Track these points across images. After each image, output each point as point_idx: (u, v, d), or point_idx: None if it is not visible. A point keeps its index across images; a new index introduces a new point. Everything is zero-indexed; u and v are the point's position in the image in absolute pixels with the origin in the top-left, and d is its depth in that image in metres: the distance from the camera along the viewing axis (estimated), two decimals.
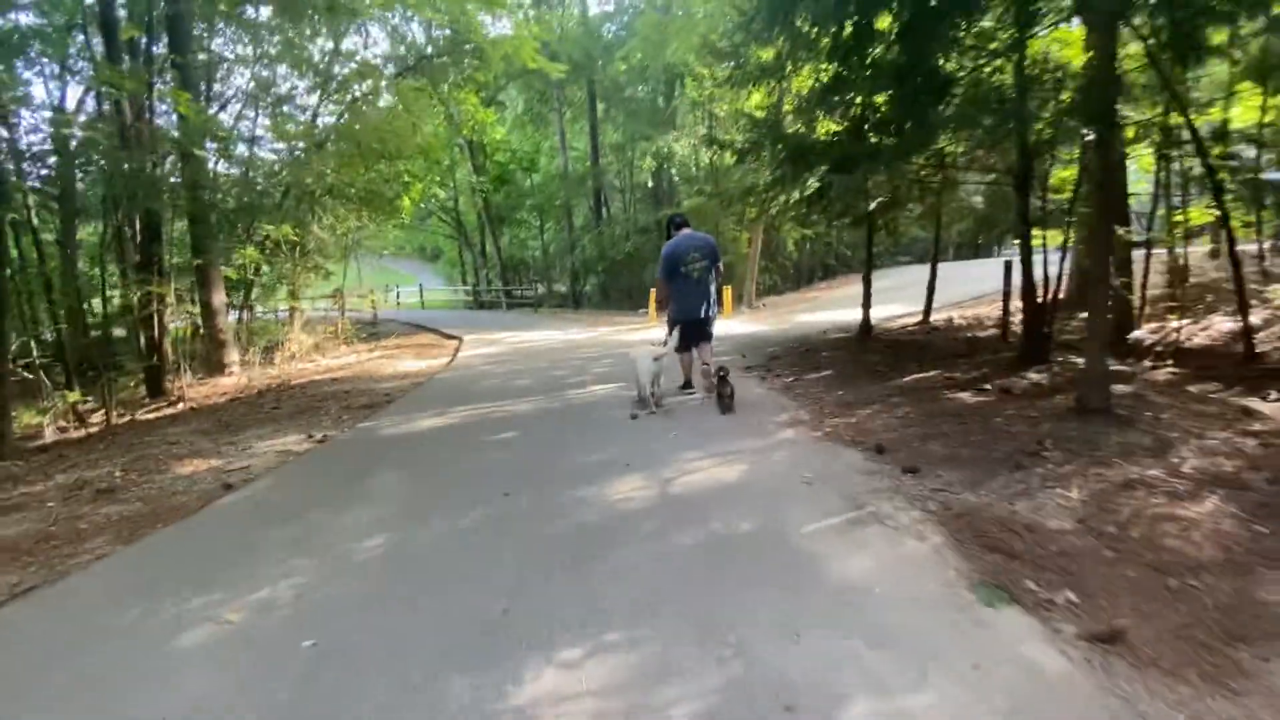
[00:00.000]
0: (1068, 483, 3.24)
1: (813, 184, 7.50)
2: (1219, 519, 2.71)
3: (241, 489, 4.11)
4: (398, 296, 27.15)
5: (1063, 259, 7.37)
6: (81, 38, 10.97)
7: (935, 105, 5.71)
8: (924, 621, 2.14)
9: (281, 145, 12.35)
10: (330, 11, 10.08)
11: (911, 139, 5.98)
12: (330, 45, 12.75)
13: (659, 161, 18.45)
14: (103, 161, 8.90)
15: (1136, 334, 7.36)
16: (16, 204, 9.06)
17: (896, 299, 14.73)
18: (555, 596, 2.45)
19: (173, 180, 9.95)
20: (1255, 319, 6.17)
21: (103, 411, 7.73)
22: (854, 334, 9.74)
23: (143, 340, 9.52)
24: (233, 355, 10.32)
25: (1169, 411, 4.21)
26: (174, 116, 11.69)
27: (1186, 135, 5.76)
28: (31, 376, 8.31)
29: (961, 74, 5.97)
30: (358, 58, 12.79)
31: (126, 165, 8.54)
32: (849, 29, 5.90)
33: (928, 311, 10.35)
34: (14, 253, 9.68)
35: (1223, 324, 6.94)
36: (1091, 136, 5.01)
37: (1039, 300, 6.30)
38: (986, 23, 5.78)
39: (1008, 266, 8.27)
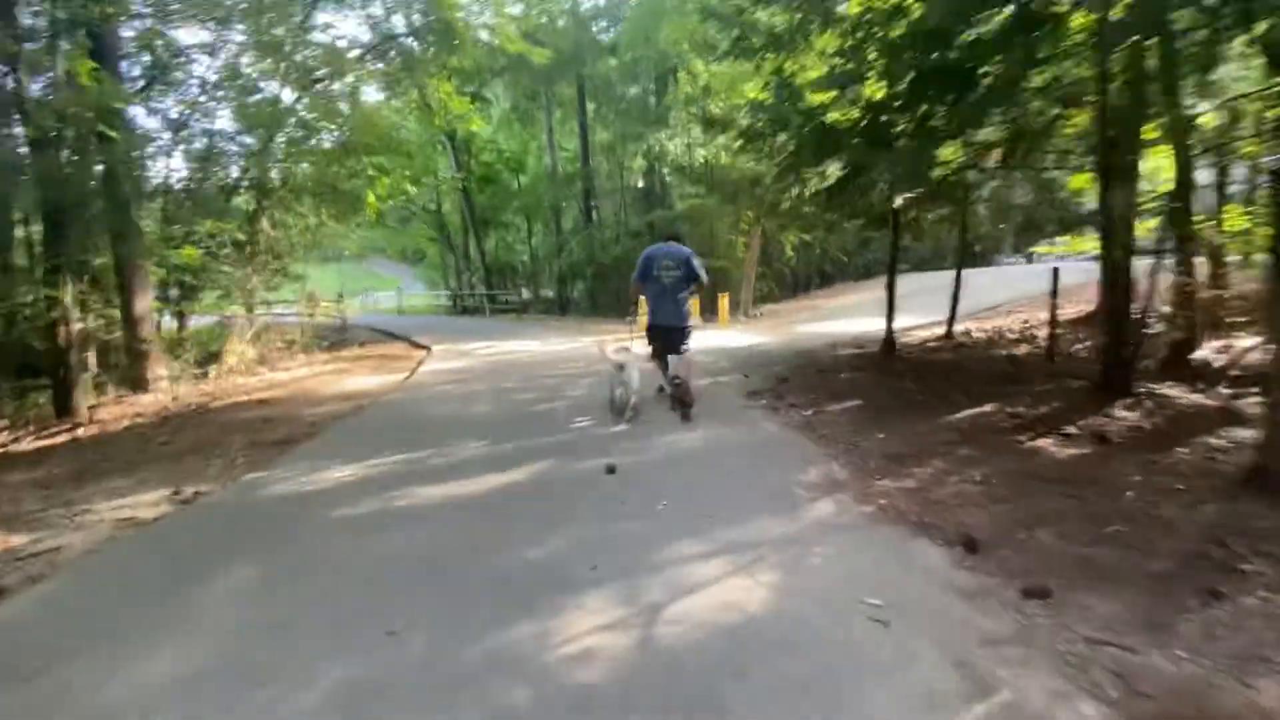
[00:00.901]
0: None
1: (832, 172, 6.16)
2: None
3: (14, 595, 2.71)
4: (375, 302, 25.62)
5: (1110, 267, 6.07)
6: None
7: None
8: None
9: (249, 139, 10.94)
10: None
11: (965, 112, 4.68)
12: (298, 20, 11.35)
13: (650, 161, 17.13)
14: None
15: (1201, 353, 6.10)
16: None
17: (904, 309, 13.42)
18: None
19: (95, 168, 8.51)
20: None
21: None
22: (871, 350, 8.43)
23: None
24: (158, 369, 8.86)
25: None
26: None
27: None
28: None
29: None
30: (325, 42, 11.42)
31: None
32: None
33: (950, 324, 9.05)
34: None
35: None
36: None
37: (1122, 316, 4.98)
38: None
39: (1056, 273, 7.00)
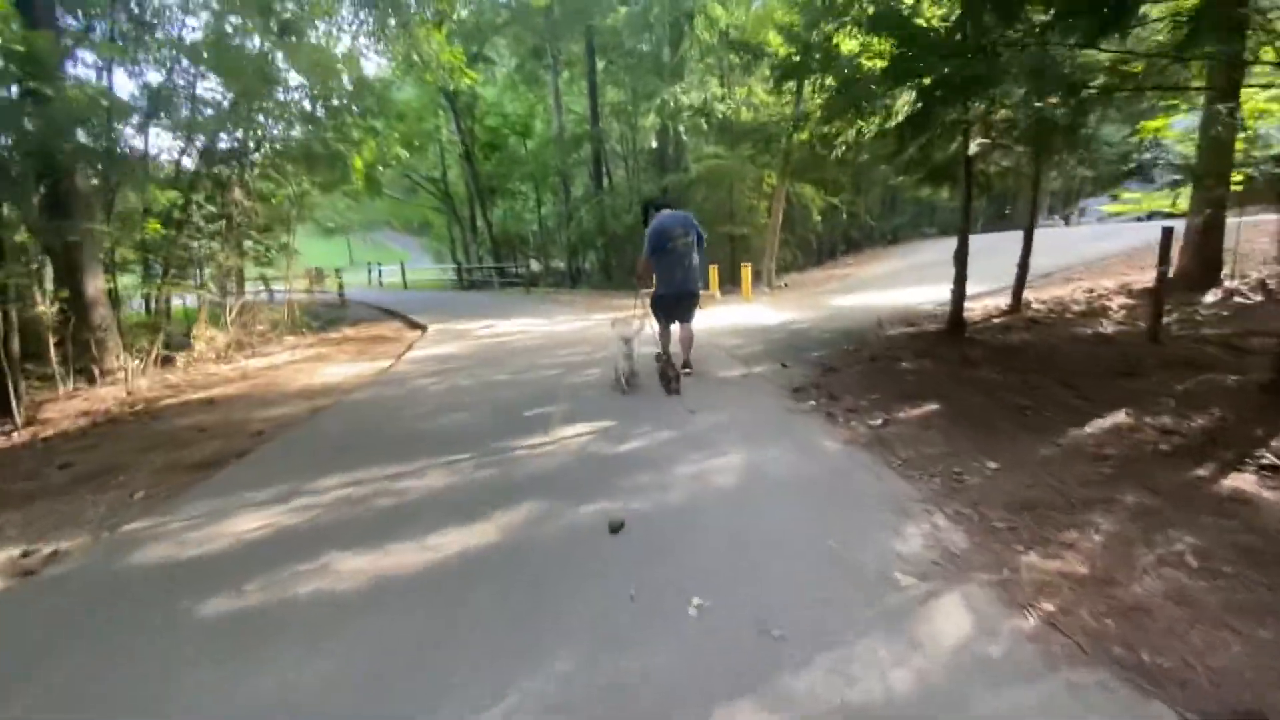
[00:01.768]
0: None
1: (902, 105, 4.79)
2: None
3: None
4: (379, 276, 24.47)
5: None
6: None
7: None
8: None
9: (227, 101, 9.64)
10: None
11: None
12: None
13: (665, 119, 15.57)
14: None
15: None
16: None
17: (942, 278, 12.01)
18: None
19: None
20: None
21: None
22: (929, 329, 7.12)
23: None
24: (115, 358, 7.82)
25: None
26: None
27: None
28: None
29: None
30: None
31: None
32: None
33: (1018, 296, 7.69)
34: None
35: None
36: None
37: None
38: None
39: (1166, 234, 5.59)
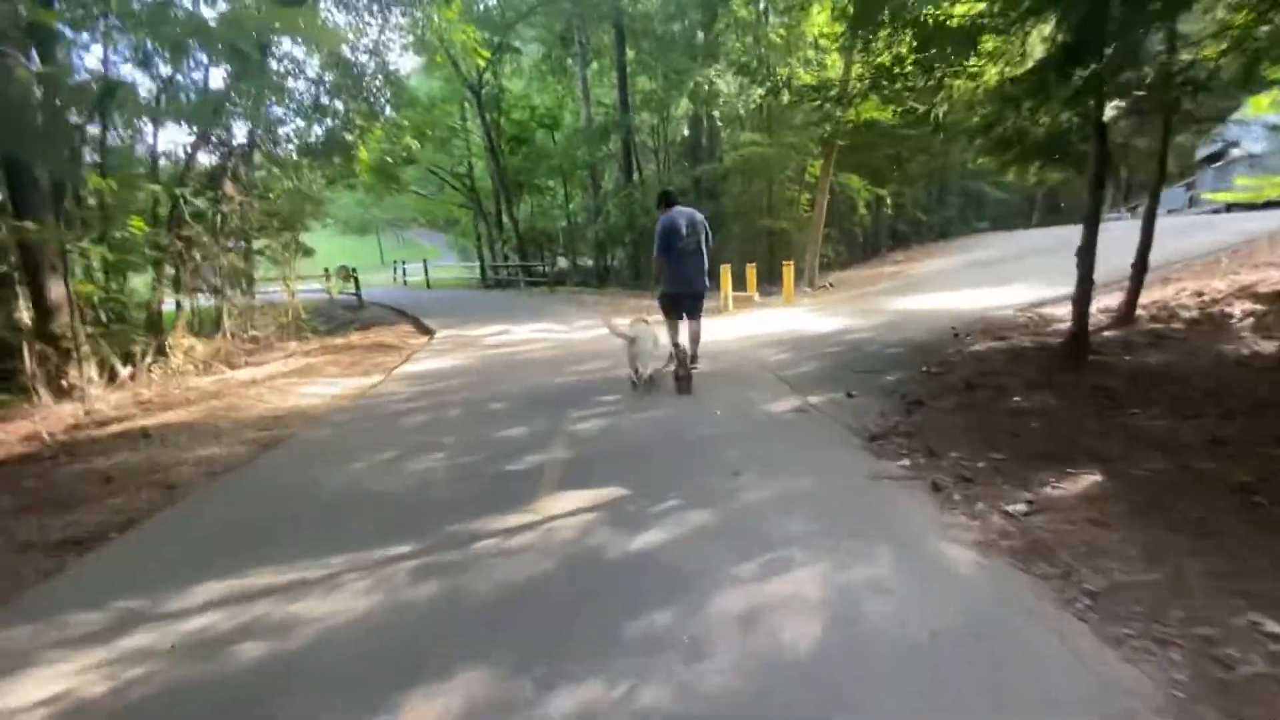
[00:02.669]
0: None
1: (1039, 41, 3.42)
2: None
3: None
4: (404, 275, 23.64)
5: None
6: None
7: None
8: None
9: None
10: None
11: None
12: None
13: (697, 104, 14.21)
14: None
15: None
16: None
17: (1014, 278, 10.44)
18: None
19: None
20: None
21: None
22: (1026, 343, 5.69)
23: None
24: (81, 370, 6.92)
25: None
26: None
27: None
28: None
29: None
30: None
31: None
32: None
33: (1132, 303, 6.17)
34: None
35: None
36: None
37: None
38: None
39: None
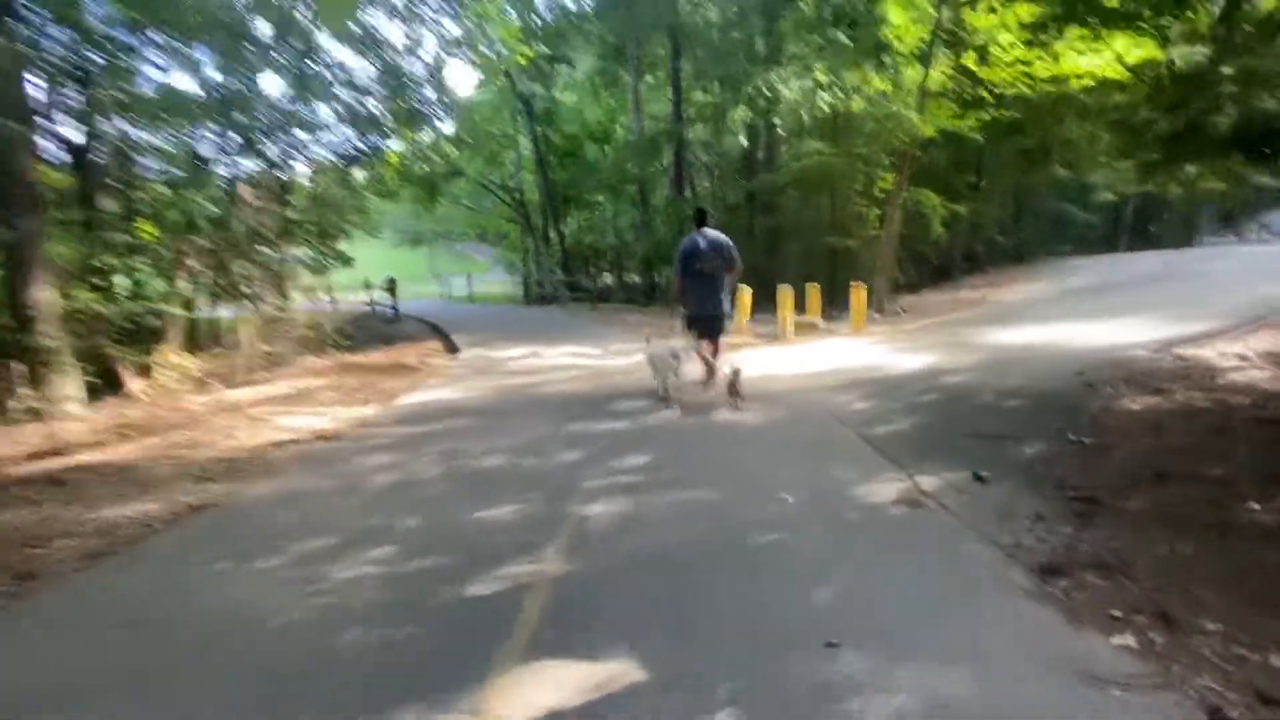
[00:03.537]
0: None
1: None
2: None
3: None
4: (449, 288, 23.09)
5: None
6: None
7: None
8: None
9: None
10: None
11: None
12: None
13: (756, 111, 12.97)
14: None
15: None
16: None
17: (1126, 310, 8.67)
18: None
19: None
20: None
21: None
22: (1195, 399, 4.17)
23: None
24: (66, 386, 6.19)
25: None
26: None
27: None
28: None
29: None
30: None
31: None
32: None
33: None
34: None
35: None
36: None
37: None
38: None
39: None
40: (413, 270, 30.55)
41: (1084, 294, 11.30)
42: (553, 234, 21.45)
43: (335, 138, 9.79)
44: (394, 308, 14.45)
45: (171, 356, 6.77)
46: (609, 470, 3.48)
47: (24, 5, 6.39)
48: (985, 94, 11.20)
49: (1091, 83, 9.68)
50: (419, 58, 10.19)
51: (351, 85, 9.97)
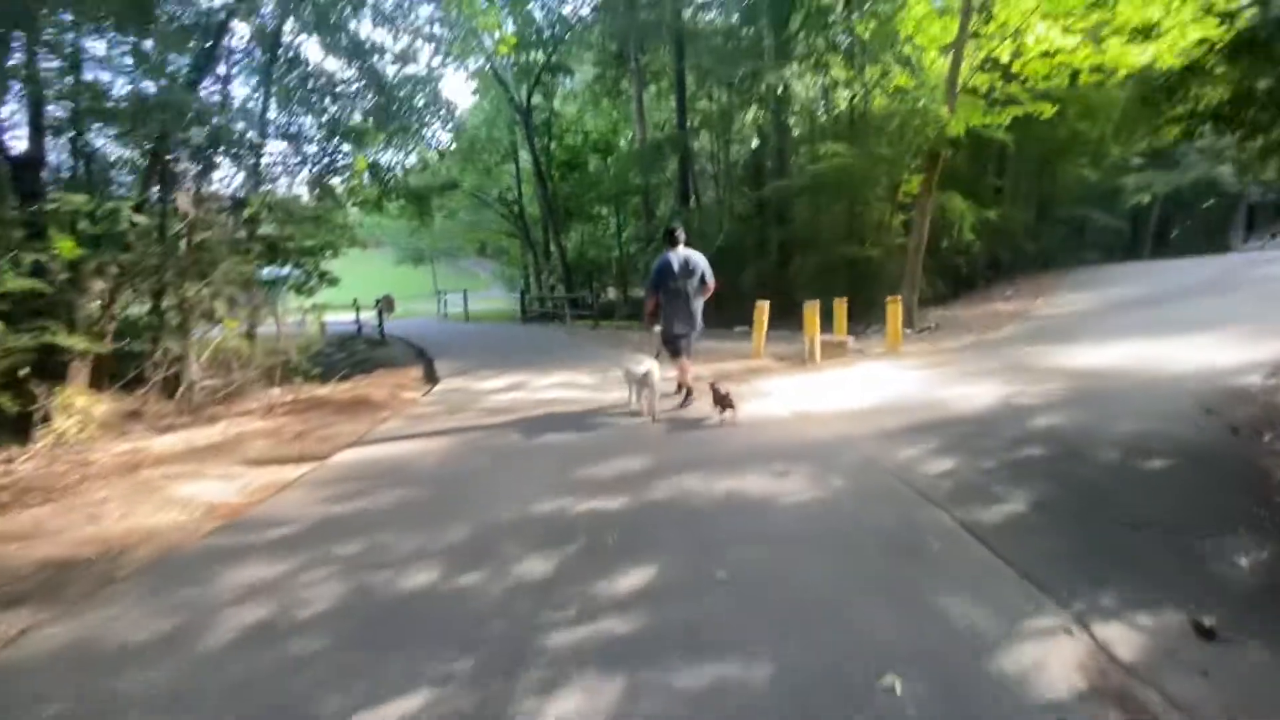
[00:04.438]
0: None
1: None
2: None
3: None
4: (445, 306, 21.94)
5: None
6: None
7: None
8: None
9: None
10: None
11: None
12: None
13: (767, 110, 11.78)
14: None
15: None
16: None
17: (1194, 325, 7.36)
18: None
19: None
20: None
21: None
22: None
23: None
24: None
25: None
26: None
27: None
28: None
29: None
30: None
31: None
32: None
33: None
34: None
35: None
36: None
37: None
38: None
39: None
40: (415, 287, 29.48)
41: (1134, 306, 9.98)
42: (554, 248, 20.31)
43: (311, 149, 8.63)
44: (380, 329, 13.26)
45: (78, 399, 5.54)
46: (588, 604, 2.20)
47: None
48: (1016, 88, 10.01)
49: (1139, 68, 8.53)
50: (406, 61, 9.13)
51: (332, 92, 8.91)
